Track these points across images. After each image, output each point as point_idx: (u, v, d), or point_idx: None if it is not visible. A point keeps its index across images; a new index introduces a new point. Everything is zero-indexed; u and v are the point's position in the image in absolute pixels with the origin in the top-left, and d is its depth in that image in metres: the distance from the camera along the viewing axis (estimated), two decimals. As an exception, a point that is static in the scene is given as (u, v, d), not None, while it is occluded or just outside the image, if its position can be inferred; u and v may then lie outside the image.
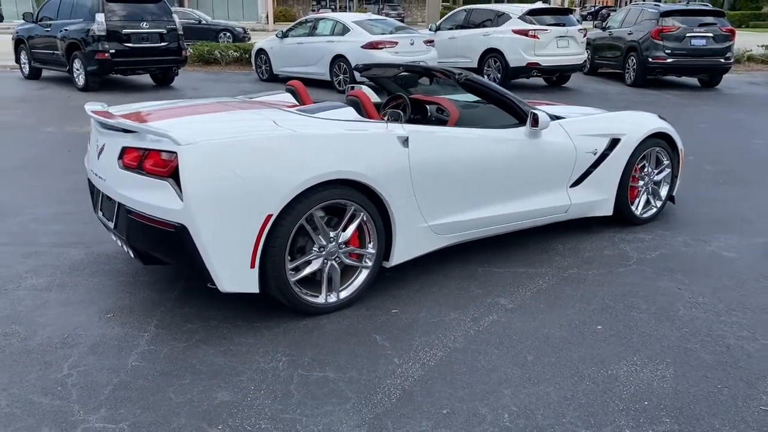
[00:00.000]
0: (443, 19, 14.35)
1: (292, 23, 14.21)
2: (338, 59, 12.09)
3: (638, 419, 2.49)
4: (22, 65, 13.87)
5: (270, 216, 2.99)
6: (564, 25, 12.59)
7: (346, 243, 3.36)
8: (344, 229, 3.32)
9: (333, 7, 59.97)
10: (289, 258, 3.15)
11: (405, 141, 3.47)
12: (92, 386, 2.66)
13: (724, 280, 3.81)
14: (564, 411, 2.54)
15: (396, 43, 11.74)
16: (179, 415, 2.48)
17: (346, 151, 3.23)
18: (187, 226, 2.88)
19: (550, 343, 3.07)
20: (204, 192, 2.86)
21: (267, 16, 45.47)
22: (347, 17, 12.56)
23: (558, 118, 4.41)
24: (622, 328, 3.23)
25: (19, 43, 13.82)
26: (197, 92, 12.04)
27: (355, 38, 11.89)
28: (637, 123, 4.59)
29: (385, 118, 4.71)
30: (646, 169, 4.74)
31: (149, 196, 2.98)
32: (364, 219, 3.35)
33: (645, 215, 4.79)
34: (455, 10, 14.25)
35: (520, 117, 4.07)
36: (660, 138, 4.73)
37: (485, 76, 12.82)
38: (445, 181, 3.63)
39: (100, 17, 11.48)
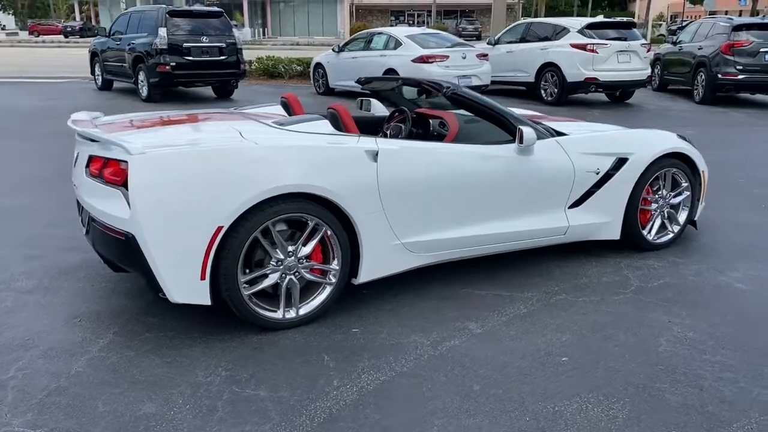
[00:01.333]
0: (503, 32, 14.13)
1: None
2: (390, 73, 12.08)
3: (568, 463, 2.29)
4: (96, 77, 14.64)
5: (220, 228, 2.97)
6: (626, 39, 12.11)
7: (308, 258, 3.29)
8: (305, 244, 3.26)
9: (411, 21, 60.42)
10: (244, 271, 3.12)
11: (375, 155, 3.38)
12: (29, 390, 2.71)
13: (726, 315, 3.49)
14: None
15: (447, 57, 11.63)
16: (98, 425, 2.48)
17: (308, 165, 3.17)
18: (135, 235, 2.90)
19: (505, 373, 2.89)
20: (151, 201, 2.88)
21: (344, 32, 46.25)
22: (400, 31, 12.58)
23: (561, 135, 4.20)
24: (589, 361, 3.00)
25: (93, 56, 14.62)
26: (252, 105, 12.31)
27: (406, 52, 11.87)
28: (647, 142, 4.31)
29: (387, 130, 4.67)
30: (660, 192, 4.44)
31: (107, 204, 3.02)
32: (328, 234, 3.28)
33: (659, 240, 4.48)
34: (515, 24, 14.00)
35: (512, 133, 3.90)
36: (677, 159, 4.42)
37: (542, 91, 12.52)
38: (419, 197, 3.51)
39: (162, 31, 11.96)
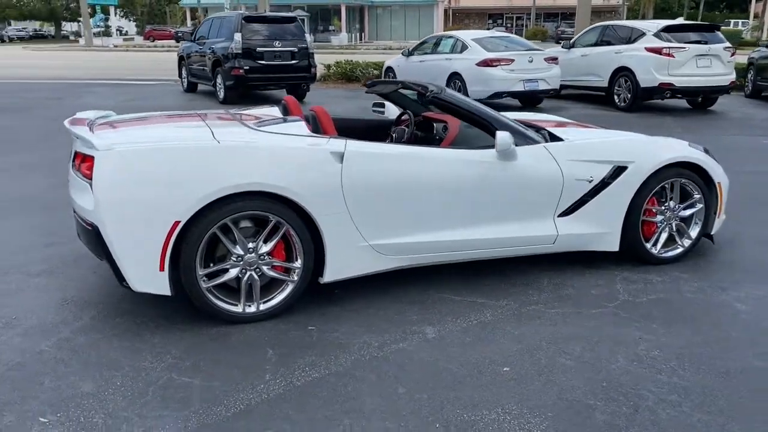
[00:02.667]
0: (579, 35, 13.71)
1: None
2: (454, 77, 12.05)
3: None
4: (183, 80, 15.49)
5: (177, 222, 3.13)
6: (707, 42, 11.44)
7: (270, 255, 3.39)
8: (265, 241, 3.36)
9: (509, 24, 59.54)
10: (207, 264, 3.27)
11: (341, 157, 3.43)
12: (-7, 364, 2.97)
13: (707, 335, 3.28)
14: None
15: (512, 60, 11.44)
16: (36, 399, 2.69)
17: (269, 164, 3.27)
18: (98, 225, 3.11)
19: (438, 378, 2.87)
20: (112, 195, 3.08)
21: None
22: (468, 35, 12.49)
23: (558, 140, 4.09)
24: (531, 373, 2.92)
25: (180, 59, 15.48)
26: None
27: (471, 56, 11.78)
28: (650, 150, 4.10)
29: (393, 133, 4.70)
30: (667, 204, 4.21)
31: (82, 197, 3.26)
32: (290, 233, 3.37)
33: (667, 255, 4.25)
34: (592, 26, 13.56)
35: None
36: (687, 169, 4.17)
37: (615, 97, 12.06)
38: (387, 201, 3.53)
39: (237, 36, 12.50)
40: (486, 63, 11.46)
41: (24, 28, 65.76)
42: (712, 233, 4.41)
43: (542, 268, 4.16)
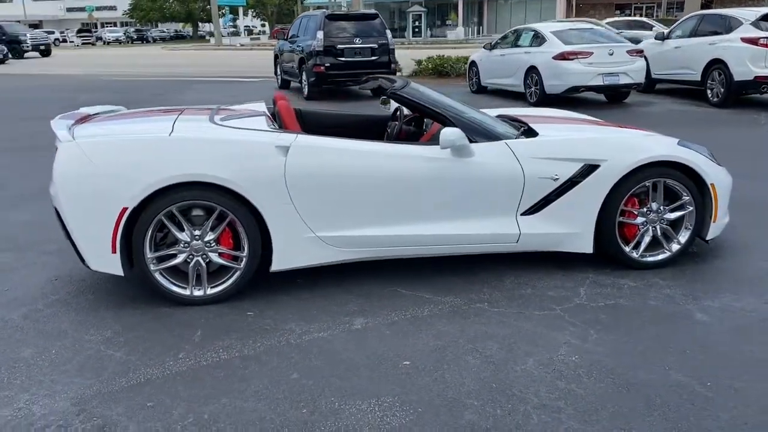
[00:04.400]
0: (674, 26, 12.87)
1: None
2: (531, 71, 11.75)
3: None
4: (278, 76, 16.21)
5: (125, 209, 3.41)
6: (813, 31, 10.36)
7: (217, 242, 3.60)
8: (213, 229, 3.57)
9: (639, 13, 56.49)
10: (153, 248, 3.54)
11: (286, 151, 3.57)
12: (-35, 328, 3.40)
13: (643, 344, 3.12)
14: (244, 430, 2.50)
15: (590, 53, 10.98)
16: (-19, 360, 3.07)
17: (214, 157, 3.47)
18: (59, 210, 3.46)
19: (335, 367, 2.95)
20: (69, 181, 3.41)
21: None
22: (546, 27, 12.13)
23: (534, 135, 4.00)
24: (428, 368, 2.93)
25: (276, 57, 16.21)
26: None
27: (548, 49, 11.43)
28: (628, 148, 3.89)
29: (388, 129, 4.78)
30: (650, 205, 3.98)
31: (52, 184, 3.63)
32: (235, 222, 3.55)
33: (651, 259, 4.03)
34: (686, 17, 12.68)
35: (459, 134, 3.81)
36: (675, 169, 3.92)
37: (708, 92, 11.24)
38: (333, 194, 3.62)
39: (320, 34, 12.93)
40: (562, 56, 11.08)
41: (166, 30, 71.22)
42: (707, 239, 4.10)
43: (514, 267, 4.08)
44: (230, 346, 3.16)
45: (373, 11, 14.04)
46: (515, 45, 12.70)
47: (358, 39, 13.08)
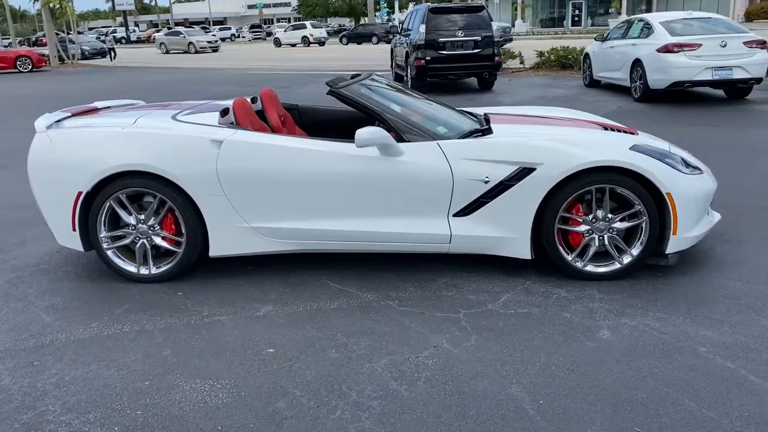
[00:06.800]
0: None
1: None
2: (636, 64, 11.01)
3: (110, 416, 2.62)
4: (392, 70, 16.56)
5: (81, 192, 3.88)
6: None
7: (161, 227, 3.97)
8: (155, 215, 3.94)
9: (837, -1, 49.74)
10: (107, 228, 3.98)
11: (219, 145, 3.84)
12: (-40, 286, 4.07)
13: (511, 358, 3.01)
14: (111, 400, 2.82)
15: (698, 45, 10.06)
16: (-52, 313, 3.68)
17: (154, 149, 3.83)
18: (33, 191, 4.02)
19: (204, 348, 3.17)
20: (36, 167, 3.95)
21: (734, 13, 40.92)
22: (656, 17, 11.26)
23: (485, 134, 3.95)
24: (284, 357, 3.06)
25: (391, 51, 16.57)
26: (506, 97, 12.62)
27: (654, 41, 10.65)
28: (566, 152, 3.67)
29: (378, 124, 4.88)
30: (598, 212, 3.75)
31: (38, 169, 4.19)
32: (174, 209, 3.90)
33: (598, 270, 3.81)
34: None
35: (395, 132, 3.85)
36: (625, 175, 3.66)
37: None
38: (262, 187, 3.82)
39: (422, 28, 13.05)
40: (667, 48, 10.27)
41: (331, 25, 74.54)
42: (667, 252, 3.77)
43: (461, 269, 4.05)
44: (139, 321, 3.50)
45: (479, 3, 13.87)
46: (625, 36, 11.94)
47: (460, 32, 13.02)
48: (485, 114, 4.67)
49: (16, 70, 27.02)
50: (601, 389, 2.71)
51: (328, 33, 48.67)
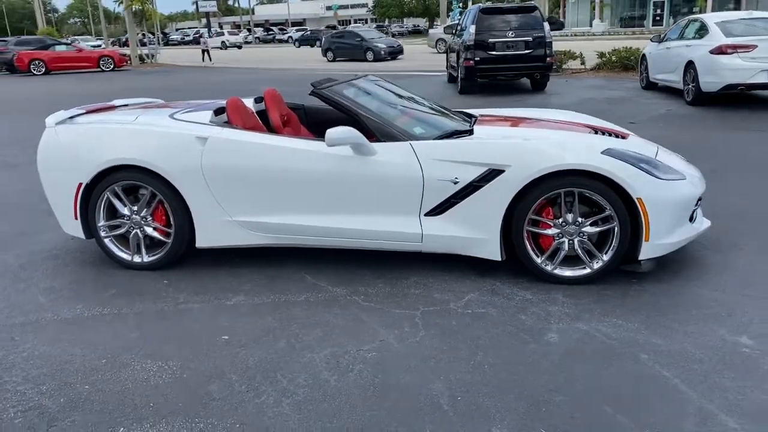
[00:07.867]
0: None
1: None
2: (690, 66, 10.62)
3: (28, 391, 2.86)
4: (448, 71, 16.56)
5: (81, 184, 4.18)
6: None
7: (152, 218, 4.22)
8: (146, 206, 4.20)
9: None
10: (106, 218, 4.27)
11: (204, 142, 4.05)
12: (-22, 267, 4.46)
13: (448, 356, 3.06)
14: (67, 375, 3.07)
15: (754, 47, 9.60)
16: (-40, 291, 4.05)
17: (146, 145, 4.08)
18: (42, 182, 4.36)
19: (170, 334, 3.37)
20: (44, 159, 4.28)
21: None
22: (712, 17, 10.79)
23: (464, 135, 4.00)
24: (237, 344, 3.22)
25: (446, 52, 16.55)
26: (556, 98, 12.44)
27: (708, 42, 10.23)
28: (535, 155, 3.66)
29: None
30: (568, 216, 3.72)
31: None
32: (163, 202, 4.14)
33: (565, 273, 3.79)
34: None
35: (371, 134, 3.96)
36: (595, 179, 3.63)
37: None
38: (243, 183, 4.01)
39: (471, 28, 13.02)
40: (720, 50, 9.85)
41: (404, 25, 74.89)
42: (640, 259, 3.70)
43: (434, 268, 4.11)
44: (120, 305, 3.75)
45: (531, 4, 13.67)
46: (681, 37, 11.52)
47: (511, 32, 12.89)
48: (480, 115, 4.70)
49: (100, 69, 28.64)
50: (522, 389, 2.73)
51: (401, 33, 48.51)
